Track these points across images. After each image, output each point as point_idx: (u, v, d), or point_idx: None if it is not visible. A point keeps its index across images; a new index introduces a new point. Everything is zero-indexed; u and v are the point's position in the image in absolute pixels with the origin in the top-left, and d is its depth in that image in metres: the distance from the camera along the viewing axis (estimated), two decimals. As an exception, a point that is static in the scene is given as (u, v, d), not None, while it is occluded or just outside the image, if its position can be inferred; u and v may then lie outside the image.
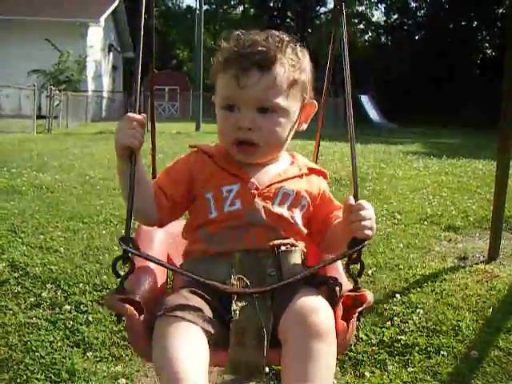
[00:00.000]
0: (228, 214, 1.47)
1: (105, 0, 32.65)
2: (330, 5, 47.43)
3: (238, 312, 1.31)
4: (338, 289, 1.39)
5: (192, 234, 1.56)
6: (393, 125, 28.66)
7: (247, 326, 1.30)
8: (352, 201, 1.38)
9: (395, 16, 47.70)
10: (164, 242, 1.75)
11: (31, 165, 8.09)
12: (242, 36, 1.51)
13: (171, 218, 1.58)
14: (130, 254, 1.30)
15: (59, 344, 2.51)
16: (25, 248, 3.80)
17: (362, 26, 48.49)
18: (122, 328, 2.66)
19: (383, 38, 48.45)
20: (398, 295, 3.08)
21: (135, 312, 1.28)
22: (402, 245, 4.19)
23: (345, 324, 1.34)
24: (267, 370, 1.83)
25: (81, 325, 2.71)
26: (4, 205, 5.10)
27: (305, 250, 1.56)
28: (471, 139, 17.96)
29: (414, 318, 2.79)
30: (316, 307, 1.30)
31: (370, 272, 3.49)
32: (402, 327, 2.70)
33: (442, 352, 2.48)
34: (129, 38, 38.55)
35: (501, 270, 3.60)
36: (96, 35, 30.77)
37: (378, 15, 58.33)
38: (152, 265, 1.48)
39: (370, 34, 49.89)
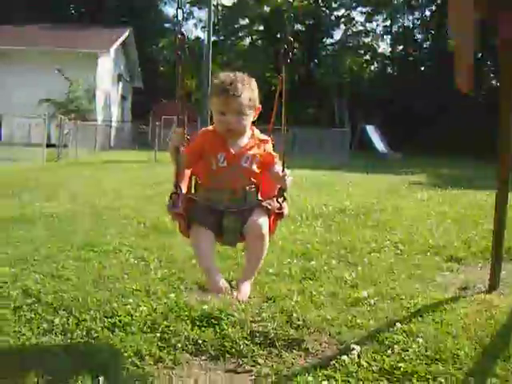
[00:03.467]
0: (221, 168, 2.83)
1: (115, 31, 33.27)
2: (337, 36, 48.04)
3: (225, 220, 2.79)
4: (270, 209, 2.79)
5: (204, 176, 2.92)
6: (398, 155, 28.79)
7: (229, 227, 2.80)
8: (281, 172, 2.82)
9: (400, 47, 48.21)
10: (188, 179, 3.02)
11: (41, 193, 8.26)
12: (223, 77, 2.83)
13: (193, 165, 2.90)
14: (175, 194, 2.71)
15: (72, 369, 2.60)
16: (37, 276, 3.91)
17: (368, 57, 48.97)
18: (131, 354, 2.77)
19: (389, 69, 48.89)
20: (398, 324, 3.16)
21: (181, 218, 2.78)
22: (404, 275, 4.28)
23: (273, 225, 2.90)
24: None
25: (92, 350, 2.80)
26: (16, 233, 5.24)
27: (258, 187, 2.95)
28: (476, 169, 18.07)
29: (414, 346, 2.87)
30: (261, 222, 2.74)
31: (372, 301, 3.57)
32: (402, 355, 2.78)
33: (440, 379, 2.55)
34: (138, 69, 39.13)
35: (500, 300, 3.68)
36: (106, 65, 31.25)
37: (383, 46, 58.87)
38: (185, 190, 2.88)
39: (376, 64, 50.37)
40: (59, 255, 4.52)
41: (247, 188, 2.89)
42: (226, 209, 2.80)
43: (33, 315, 3.22)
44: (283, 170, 2.83)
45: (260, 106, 2.93)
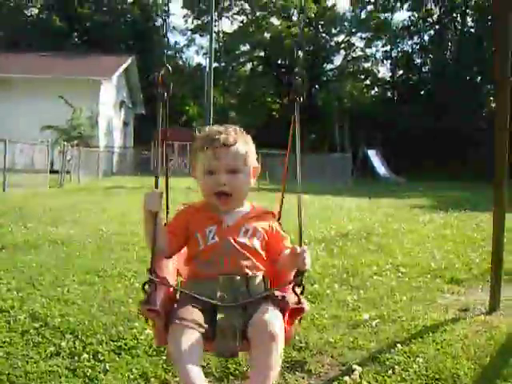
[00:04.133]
0: (210, 246, 2.21)
1: (117, 58, 33.69)
2: (337, 62, 48.52)
3: (220, 319, 2.02)
4: (285, 304, 2.08)
5: (189, 262, 2.30)
6: (400, 178, 28.94)
7: (226, 328, 2.00)
8: (298, 249, 2.04)
9: (400, 72, 48.64)
10: (174, 263, 2.43)
11: (46, 219, 8.34)
12: (209, 129, 2.34)
13: (175, 252, 2.33)
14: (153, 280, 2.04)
15: (79, 391, 2.67)
16: (44, 300, 3.97)
17: (368, 82, 49.40)
18: (137, 376, 2.82)
19: (389, 93, 49.28)
20: (399, 345, 3.22)
21: (156, 316, 2.01)
22: (405, 297, 4.33)
23: (289, 327, 2.10)
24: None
25: (99, 373, 2.86)
26: (22, 258, 5.31)
27: (265, 274, 2.24)
28: (478, 192, 18.12)
29: (415, 366, 2.92)
30: (272, 320, 1.95)
31: (373, 323, 3.63)
32: (403, 375, 2.83)
33: (441, 399, 2.61)
34: (140, 95, 39.47)
35: (500, 321, 3.73)
36: (108, 92, 31.57)
37: (383, 71, 59.46)
38: (171, 276, 2.32)
39: (376, 89, 50.78)
40: (65, 280, 4.59)
41: (249, 272, 2.18)
42: (221, 302, 2.06)
43: (40, 339, 3.28)
44: (300, 244, 2.10)
45: (259, 166, 2.39)
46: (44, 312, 3.69)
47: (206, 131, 2.33)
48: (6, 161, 14.88)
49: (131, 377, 2.82)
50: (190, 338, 1.91)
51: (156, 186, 2.13)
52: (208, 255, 2.20)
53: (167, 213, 2.45)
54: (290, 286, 2.10)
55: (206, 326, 1.98)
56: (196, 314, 2.00)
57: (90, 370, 2.89)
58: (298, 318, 2.13)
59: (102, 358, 3.03)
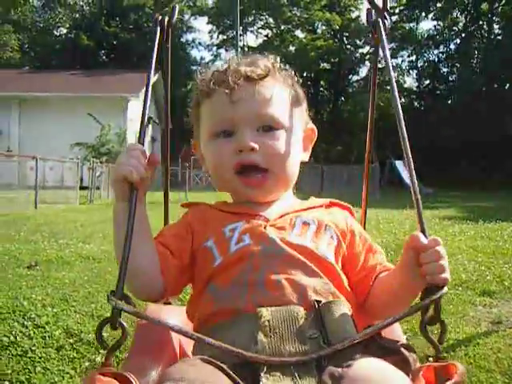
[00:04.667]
0: (236, 254, 1.20)
1: (144, 75, 34.06)
2: (363, 73, 48.48)
3: None
4: (412, 358, 1.12)
5: (198, 301, 1.26)
6: (428, 190, 28.62)
7: None
8: (423, 238, 1.10)
9: (427, 81, 48.37)
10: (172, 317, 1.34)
11: (77, 235, 8.47)
12: (228, 61, 1.35)
13: (177, 284, 1.31)
14: (121, 314, 1.03)
15: (114, 405, 2.71)
16: (78, 316, 4.04)
17: (394, 93, 49.22)
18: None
19: (416, 103, 49.01)
20: (431, 359, 3.19)
21: None
22: (436, 310, 4.30)
23: None
24: None
25: (133, 388, 2.90)
26: (56, 275, 5.40)
27: (346, 296, 1.24)
28: (509, 201, 17.87)
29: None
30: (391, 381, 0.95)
31: (404, 337, 3.61)
32: (436, 390, 2.82)
33: (475, 413, 2.59)
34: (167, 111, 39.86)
35: (534, 334, 3.68)
36: (136, 108, 31.96)
37: (409, 81, 59.16)
38: (161, 338, 1.20)
39: (402, 99, 50.52)
40: (97, 295, 4.65)
41: (321, 298, 1.19)
42: (269, 356, 1.06)
43: (75, 354, 3.35)
44: (424, 232, 1.24)
45: (314, 127, 1.49)
46: (78, 328, 3.76)
47: (223, 63, 1.42)
48: (37, 178, 15.15)
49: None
50: None
51: (139, 141, 1.33)
52: (232, 271, 1.20)
53: (166, 221, 1.69)
54: (416, 310, 1.17)
55: None
56: (216, 378, 1.00)
57: (124, 385, 2.93)
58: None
59: (135, 373, 3.07)
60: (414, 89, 49.24)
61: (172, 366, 1.06)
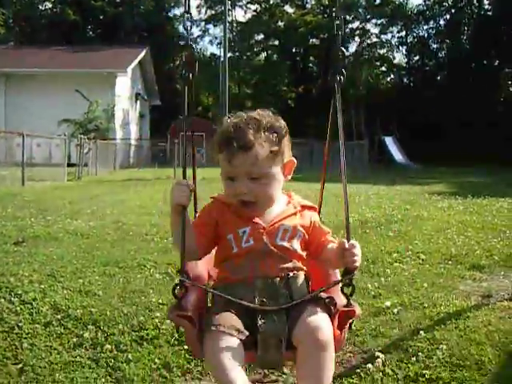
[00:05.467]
0: (245, 249, 1.94)
1: (132, 51, 33.78)
2: (352, 49, 48.20)
3: (262, 325, 1.79)
4: (333, 306, 1.84)
5: (220, 265, 2.04)
6: (417, 165, 28.75)
7: (269, 336, 1.77)
8: (346, 244, 1.83)
9: (416, 57, 48.25)
10: (204, 264, 2.19)
11: (65, 212, 8.40)
12: (228, 122, 2.00)
13: (206, 252, 2.05)
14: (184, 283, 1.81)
15: (102, 380, 2.69)
16: (65, 292, 4.00)
17: (383, 69, 49.03)
18: (160, 366, 2.84)
19: (405, 80, 48.92)
20: (422, 332, 3.19)
21: (189, 323, 1.78)
22: (426, 284, 4.29)
23: (339, 332, 1.84)
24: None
25: (121, 363, 2.87)
26: (43, 251, 5.35)
27: (306, 273, 2.02)
28: (497, 178, 17.96)
29: (438, 353, 2.90)
30: (320, 324, 1.75)
31: (395, 311, 3.60)
32: (427, 362, 2.81)
33: (465, 386, 2.59)
34: (155, 87, 39.58)
35: (524, 307, 3.69)
36: (123, 84, 31.70)
37: (399, 57, 58.94)
38: (205, 276, 2.16)
39: (391, 76, 50.42)
40: (85, 271, 4.62)
41: (290, 272, 1.95)
42: (262, 306, 1.84)
43: (63, 330, 3.31)
44: (348, 239, 1.87)
45: (293, 159, 2.06)
46: (66, 303, 3.72)
47: (223, 126, 2.01)
48: (24, 155, 14.99)
49: (153, 367, 2.84)
50: (230, 345, 1.68)
51: (184, 177, 1.93)
52: (242, 260, 1.95)
53: (195, 210, 2.21)
54: (338, 286, 1.88)
55: (246, 332, 1.75)
56: (234, 320, 1.77)
57: (112, 361, 2.91)
58: (349, 322, 1.84)
59: (124, 349, 3.05)
60: (404, 65, 49.08)
61: (211, 315, 1.80)
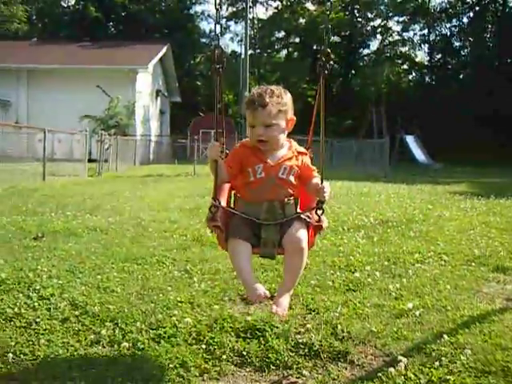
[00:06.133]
0: (259, 179, 2.84)
1: (153, 47, 33.86)
2: (374, 46, 47.86)
3: (263, 232, 2.79)
4: (309, 222, 2.83)
5: (242, 188, 2.94)
6: (439, 164, 28.43)
7: (268, 239, 2.79)
8: (319, 185, 2.79)
9: (439, 56, 47.74)
10: (227, 190, 3.09)
11: (84, 207, 8.42)
12: (254, 90, 2.93)
13: (233, 178, 2.91)
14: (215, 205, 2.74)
15: (119, 379, 2.65)
16: (83, 288, 3.98)
17: (405, 67, 48.59)
18: (177, 365, 2.79)
19: (427, 78, 48.43)
20: (445, 336, 3.10)
21: (219, 230, 2.80)
22: (449, 286, 4.20)
23: (312, 239, 2.92)
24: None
25: (139, 361, 2.84)
26: (62, 246, 5.35)
27: (297, 199, 2.94)
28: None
29: (462, 358, 2.81)
30: (300, 235, 2.75)
31: (417, 313, 3.51)
32: (450, 367, 2.73)
33: (491, 392, 2.50)
34: (175, 83, 39.66)
35: (551, 311, 3.58)
36: (144, 81, 31.78)
37: (421, 55, 58.28)
38: (224, 203, 2.94)
39: (413, 74, 49.97)
40: (104, 267, 4.60)
41: (285, 200, 2.87)
42: (264, 221, 2.80)
43: (80, 327, 3.28)
44: (322, 183, 2.81)
45: (294, 117, 2.96)
46: (84, 300, 3.70)
47: (250, 92, 2.97)
48: (45, 150, 15.09)
49: (171, 366, 2.79)
50: (243, 248, 2.74)
51: (216, 139, 2.80)
52: (256, 185, 2.85)
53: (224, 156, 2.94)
54: (314, 209, 2.82)
55: (253, 238, 2.78)
56: (247, 231, 2.78)
57: (129, 359, 2.88)
58: (319, 232, 2.93)
59: (141, 347, 3.01)
60: (426, 63, 48.58)
61: (233, 227, 2.82)
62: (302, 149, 3.05)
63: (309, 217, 2.85)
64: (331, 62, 2.89)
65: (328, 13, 3.25)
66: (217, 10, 2.92)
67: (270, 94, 2.83)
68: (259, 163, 2.86)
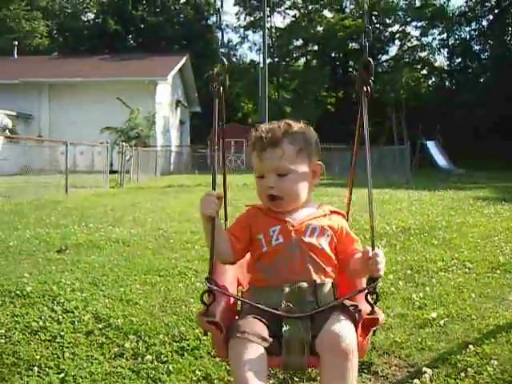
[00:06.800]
0: (275, 247, 2.03)
1: (172, 58, 34.16)
2: (392, 52, 47.68)
3: (286, 331, 1.84)
4: (357, 314, 1.88)
5: (252, 268, 2.13)
6: (461, 170, 28.12)
7: (293, 341, 1.82)
8: (370, 253, 1.83)
9: (458, 60, 47.36)
10: (234, 270, 2.28)
11: (107, 219, 8.48)
12: (262, 126, 2.16)
13: (241, 256, 2.15)
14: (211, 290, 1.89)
15: (143, 393, 2.66)
16: (107, 300, 4.01)
17: (424, 72, 48.30)
18: (201, 378, 2.80)
19: (447, 83, 48.06)
20: (471, 346, 3.07)
21: (216, 329, 1.86)
22: (474, 294, 4.15)
23: (363, 339, 1.88)
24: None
25: (162, 374, 2.85)
26: (85, 259, 5.40)
27: (334, 280, 2.07)
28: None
29: (489, 369, 2.77)
30: (343, 333, 1.76)
31: (441, 322, 3.48)
32: (477, 378, 2.69)
33: (519, 404, 2.47)
34: (195, 94, 39.89)
35: None
36: (164, 92, 32.03)
37: (440, 60, 57.87)
38: (231, 284, 2.21)
39: (433, 79, 49.62)
40: (126, 280, 4.63)
41: (318, 279, 2.00)
42: (287, 313, 1.89)
43: (104, 339, 3.31)
44: (373, 248, 1.87)
45: (320, 162, 2.19)
46: (107, 313, 3.72)
47: (256, 130, 2.16)
48: (67, 162, 15.26)
49: (194, 378, 2.80)
50: (253, 353, 1.73)
51: (213, 188, 1.96)
52: (272, 257, 2.01)
53: (226, 217, 2.34)
54: (363, 294, 1.88)
55: (270, 339, 1.80)
56: (259, 327, 1.83)
57: (153, 372, 2.89)
58: (373, 329, 1.88)
59: (164, 359, 3.02)
60: (445, 67, 48.23)
61: (237, 322, 1.88)
62: (336, 209, 2.25)
63: (356, 306, 1.94)
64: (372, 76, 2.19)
65: (365, 25, 2.25)
66: (218, 10, 2.30)
67: (285, 128, 2.11)
68: (275, 224, 2.08)
